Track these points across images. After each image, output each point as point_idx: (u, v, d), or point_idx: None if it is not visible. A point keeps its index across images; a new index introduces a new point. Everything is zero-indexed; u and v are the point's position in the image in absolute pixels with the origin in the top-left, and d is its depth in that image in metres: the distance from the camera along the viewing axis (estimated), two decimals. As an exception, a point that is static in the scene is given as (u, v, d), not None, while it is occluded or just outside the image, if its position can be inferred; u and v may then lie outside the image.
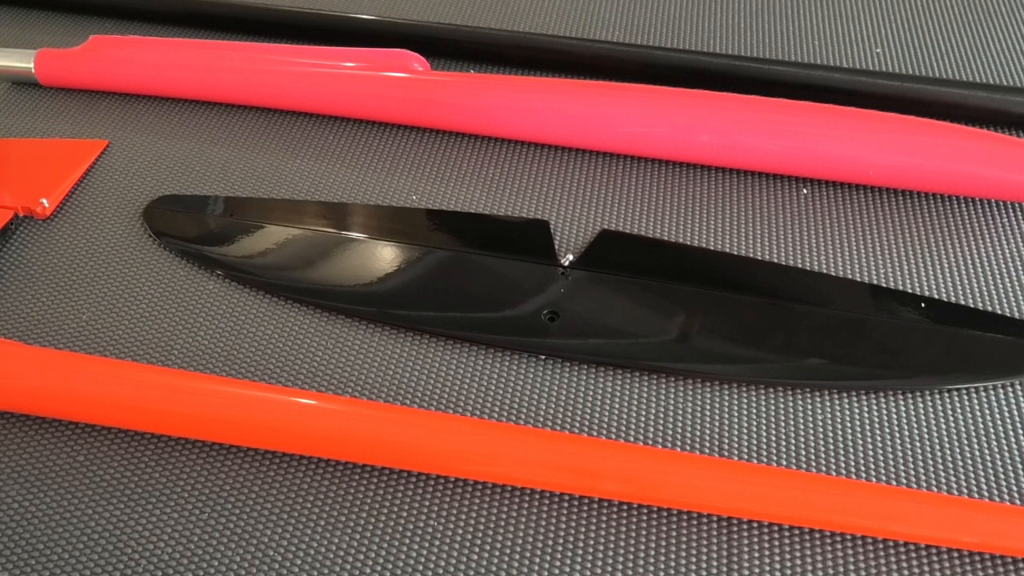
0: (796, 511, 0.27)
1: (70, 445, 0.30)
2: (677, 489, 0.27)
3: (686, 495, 0.27)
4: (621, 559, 0.27)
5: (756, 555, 0.27)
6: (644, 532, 0.27)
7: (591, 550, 0.27)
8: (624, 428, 0.30)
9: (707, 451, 0.29)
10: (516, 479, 0.28)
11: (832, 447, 0.29)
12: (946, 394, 0.31)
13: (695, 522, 0.28)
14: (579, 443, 0.28)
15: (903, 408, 0.30)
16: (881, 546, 0.27)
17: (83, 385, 0.29)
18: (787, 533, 0.27)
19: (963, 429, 0.30)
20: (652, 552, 0.27)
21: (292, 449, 0.29)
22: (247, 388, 0.29)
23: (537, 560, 0.27)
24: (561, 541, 0.27)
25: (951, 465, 0.29)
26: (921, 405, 0.30)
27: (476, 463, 0.28)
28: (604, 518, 0.28)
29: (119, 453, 0.30)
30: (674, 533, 0.27)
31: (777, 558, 0.27)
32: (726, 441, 0.30)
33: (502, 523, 0.28)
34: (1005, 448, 0.29)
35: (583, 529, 0.28)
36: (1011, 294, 0.33)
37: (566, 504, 0.28)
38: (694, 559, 0.27)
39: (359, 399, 0.31)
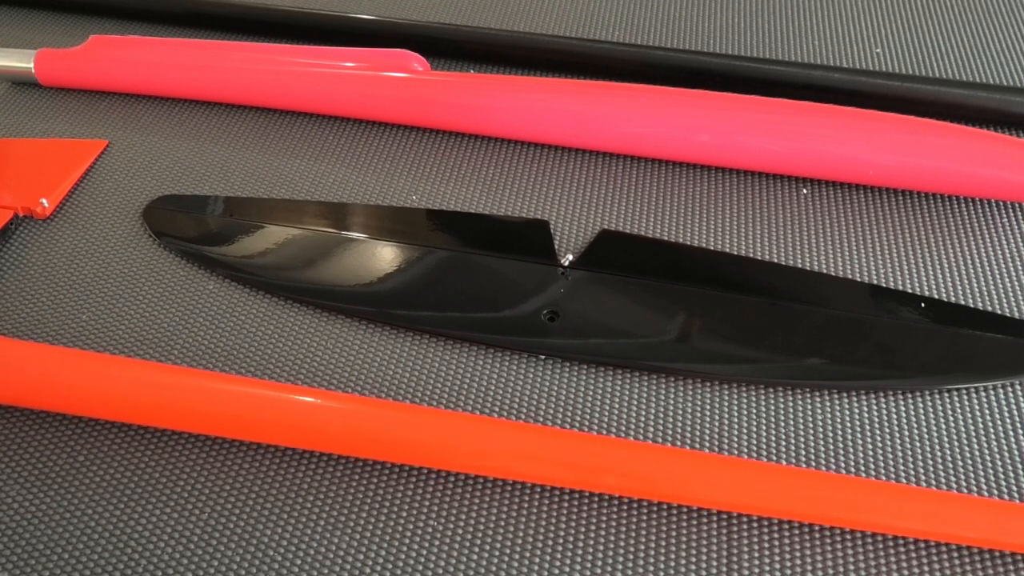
0: (796, 507, 0.27)
1: (70, 445, 0.30)
2: (677, 484, 0.27)
3: (686, 490, 0.27)
4: (621, 555, 0.27)
5: (756, 551, 0.27)
6: (644, 528, 0.27)
7: (591, 546, 0.27)
8: (624, 428, 0.30)
9: (707, 451, 0.29)
10: (516, 473, 0.28)
11: (832, 447, 0.29)
12: (946, 394, 0.31)
13: (695, 518, 0.28)
14: (579, 438, 0.28)
15: (903, 408, 0.30)
16: (881, 542, 0.27)
17: (83, 379, 0.29)
18: (787, 529, 0.27)
19: (963, 429, 0.30)
20: (652, 548, 0.27)
21: (293, 443, 0.29)
22: (248, 384, 0.30)
23: (537, 557, 0.27)
24: (561, 537, 0.27)
25: (951, 465, 0.29)
26: (921, 405, 0.30)
27: (476, 457, 0.28)
28: (604, 514, 0.28)
29: (119, 453, 0.30)
30: (674, 529, 0.27)
31: (777, 554, 0.27)
32: (726, 441, 0.30)
33: (502, 520, 0.28)
34: (1005, 448, 0.29)
35: (583, 525, 0.28)
36: (1011, 294, 0.33)
37: (566, 500, 0.28)
38: (694, 555, 0.27)
39: (359, 396, 0.31)
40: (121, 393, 0.29)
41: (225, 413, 0.29)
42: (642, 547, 0.27)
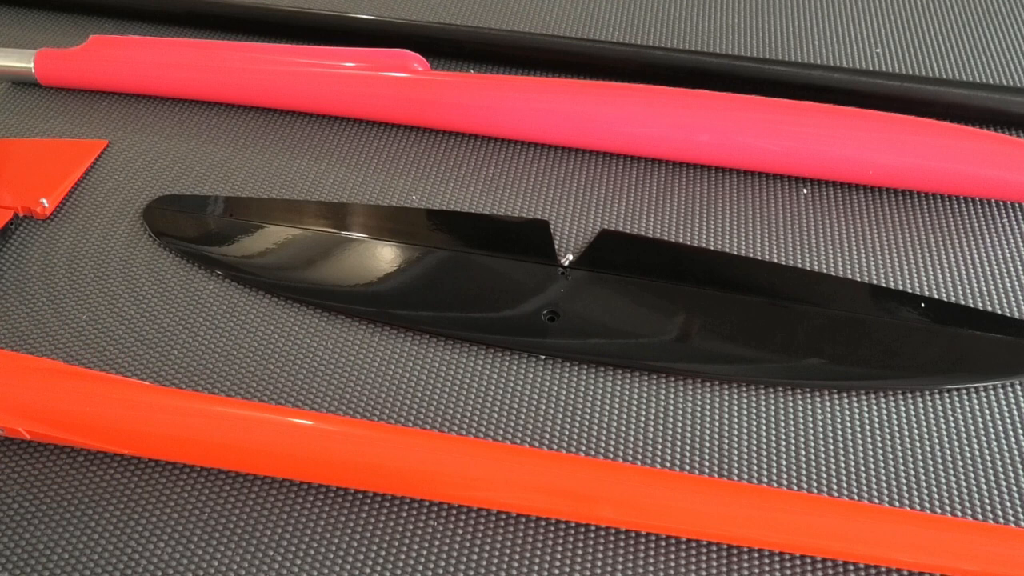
0: (800, 539, 0.26)
1: (70, 448, 0.30)
2: (676, 514, 0.26)
3: (685, 521, 0.26)
4: None
5: None
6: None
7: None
8: (624, 428, 0.30)
9: (707, 451, 0.29)
10: (515, 505, 0.27)
11: (832, 448, 0.29)
12: (946, 394, 0.31)
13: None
14: (575, 465, 0.27)
15: (903, 408, 0.30)
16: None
17: (81, 409, 0.29)
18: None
19: (963, 429, 0.30)
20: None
21: (289, 476, 0.28)
22: (239, 408, 0.29)
23: (537, 558, 0.27)
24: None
25: (951, 465, 0.29)
26: (921, 405, 0.30)
27: (469, 489, 0.27)
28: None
29: (119, 456, 0.30)
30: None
31: None
32: (726, 441, 0.30)
33: (500, 525, 0.28)
34: (1005, 448, 0.29)
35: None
36: (1011, 294, 0.33)
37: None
38: None
39: (347, 418, 0.30)
40: (114, 427, 0.28)
41: (218, 445, 0.28)
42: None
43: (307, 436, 0.28)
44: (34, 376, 0.29)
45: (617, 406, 0.31)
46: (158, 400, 0.29)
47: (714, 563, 0.27)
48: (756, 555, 0.27)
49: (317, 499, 0.29)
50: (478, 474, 0.27)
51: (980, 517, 0.28)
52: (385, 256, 0.35)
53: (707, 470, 0.29)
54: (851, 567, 0.26)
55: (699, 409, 0.30)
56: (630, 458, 0.29)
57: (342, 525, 0.28)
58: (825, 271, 0.34)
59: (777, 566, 0.27)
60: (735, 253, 0.35)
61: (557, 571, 0.27)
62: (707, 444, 0.29)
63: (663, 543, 0.27)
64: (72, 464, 0.30)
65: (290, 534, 0.28)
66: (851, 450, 0.29)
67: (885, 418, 0.30)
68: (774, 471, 0.29)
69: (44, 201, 0.38)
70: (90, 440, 0.29)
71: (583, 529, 0.28)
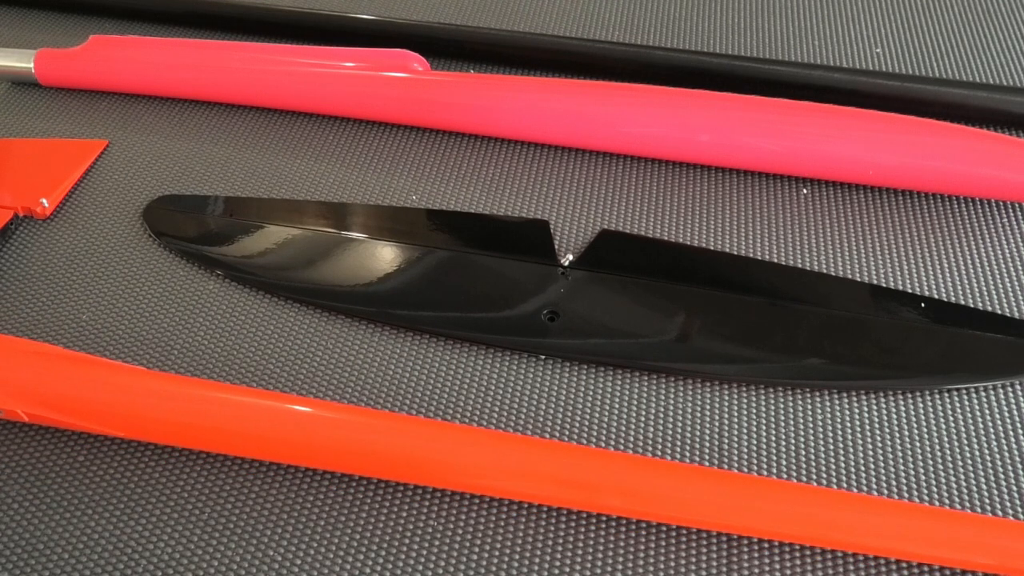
0: (802, 529, 0.26)
1: (70, 445, 0.30)
2: (676, 504, 0.26)
3: (686, 510, 0.26)
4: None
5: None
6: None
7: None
8: (624, 428, 0.30)
9: (707, 451, 0.29)
10: (516, 492, 0.27)
11: (832, 447, 0.29)
12: (946, 394, 0.31)
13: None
14: (576, 454, 0.28)
15: (903, 408, 0.30)
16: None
17: (80, 392, 0.29)
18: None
19: (963, 429, 0.30)
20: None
21: (287, 460, 0.28)
22: (240, 394, 0.29)
23: (536, 562, 0.27)
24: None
25: (951, 465, 0.29)
26: (921, 405, 0.30)
27: (471, 476, 0.27)
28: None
29: (119, 452, 0.30)
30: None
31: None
32: (726, 441, 0.30)
33: (500, 526, 0.28)
34: (1005, 448, 0.29)
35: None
36: (1011, 294, 0.33)
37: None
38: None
39: (350, 405, 0.30)
40: (112, 409, 0.29)
41: (218, 429, 0.28)
42: (640, 565, 0.27)
43: (309, 422, 0.28)
44: (33, 358, 0.29)
45: (617, 406, 0.31)
46: (156, 384, 0.29)
47: (713, 553, 0.27)
48: (756, 545, 0.27)
49: (317, 499, 0.28)
50: (481, 461, 0.27)
51: (980, 517, 0.28)
52: (385, 256, 0.35)
53: (707, 470, 0.29)
54: (851, 558, 0.27)
55: (699, 409, 0.30)
56: (630, 458, 0.29)
57: (342, 525, 0.28)
58: (825, 271, 0.34)
59: (777, 557, 0.27)
60: (735, 253, 0.35)
61: (559, 559, 0.27)
62: (707, 444, 0.29)
63: (663, 531, 0.27)
64: (72, 464, 0.30)
65: (290, 534, 0.28)
66: (851, 450, 0.29)
67: (885, 418, 0.30)
68: (774, 471, 0.29)
69: (44, 201, 0.38)
70: (87, 422, 0.29)
71: (584, 517, 0.28)
